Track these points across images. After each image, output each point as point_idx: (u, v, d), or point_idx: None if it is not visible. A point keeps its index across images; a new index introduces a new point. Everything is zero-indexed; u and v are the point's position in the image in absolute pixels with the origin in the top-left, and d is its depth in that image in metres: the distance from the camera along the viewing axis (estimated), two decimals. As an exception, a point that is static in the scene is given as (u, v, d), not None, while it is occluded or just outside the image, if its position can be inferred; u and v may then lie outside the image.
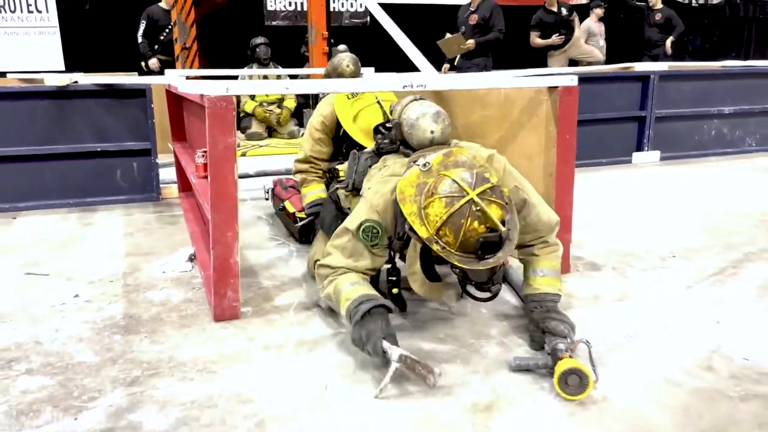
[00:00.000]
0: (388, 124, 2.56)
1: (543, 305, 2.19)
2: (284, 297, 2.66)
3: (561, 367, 1.85)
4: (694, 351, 2.13)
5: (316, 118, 3.25)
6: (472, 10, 6.94)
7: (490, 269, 1.98)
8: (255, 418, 1.77)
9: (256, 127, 7.58)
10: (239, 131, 7.24)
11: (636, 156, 5.80)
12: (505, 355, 2.11)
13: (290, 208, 3.47)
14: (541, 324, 2.12)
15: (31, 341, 2.25)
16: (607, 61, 8.62)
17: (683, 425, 1.70)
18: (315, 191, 3.27)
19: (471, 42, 6.80)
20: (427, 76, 3.27)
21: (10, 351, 2.18)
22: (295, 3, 9.62)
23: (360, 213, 2.21)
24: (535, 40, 8.05)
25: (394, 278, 2.40)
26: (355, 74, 3.47)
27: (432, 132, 2.32)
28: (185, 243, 3.39)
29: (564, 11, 7.96)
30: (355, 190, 2.56)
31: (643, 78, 5.75)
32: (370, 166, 2.49)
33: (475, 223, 1.88)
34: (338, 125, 3.16)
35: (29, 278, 2.92)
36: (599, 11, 8.61)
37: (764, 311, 2.47)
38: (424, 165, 2.06)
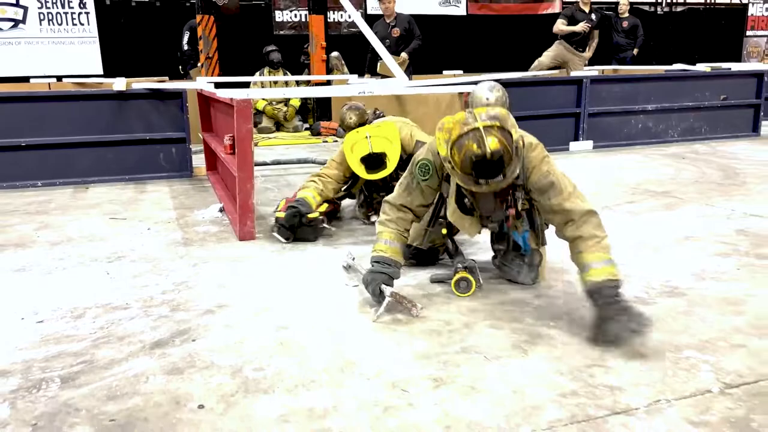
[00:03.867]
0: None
1: (601, 296, 2.29)
2: (283, 230, 4.07)
3: (456, 277, 2.83)
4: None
5: (339, 154, 3.86)
6: (392, 24, 7.85)
7: (493, 204, 2.52)
8: (265, 280, 3.16)
9: (266, 122, 9.02)
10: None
11: (572, 145, 7.14)
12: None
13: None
14: (602, 316, 2.27)
15: (127, 249, 3.68)
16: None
17: (503, 286, 3.08)
18: (304, 192, 3.77)
19: (404, 55, 7.62)
20: (373, 83, 4.68)
21: (116, 253, 3.60)
22: (300, 14, 11.05)
23: (421, 153, 2.75)
24: (561, 27, 8.75)
25: (443, 219, 2.91)
26: (360, 121, 4.28)
27: (487, 99, 2.82)
28: (215, 201, 4.81)
29: (594, 17, 8.78)
30: None
31: (578, 82, 7.11)
32: None
33: (474, 146, 2.28)
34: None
35: (113, 221, 4.35)
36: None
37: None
38: (469, 111, 2.44)
